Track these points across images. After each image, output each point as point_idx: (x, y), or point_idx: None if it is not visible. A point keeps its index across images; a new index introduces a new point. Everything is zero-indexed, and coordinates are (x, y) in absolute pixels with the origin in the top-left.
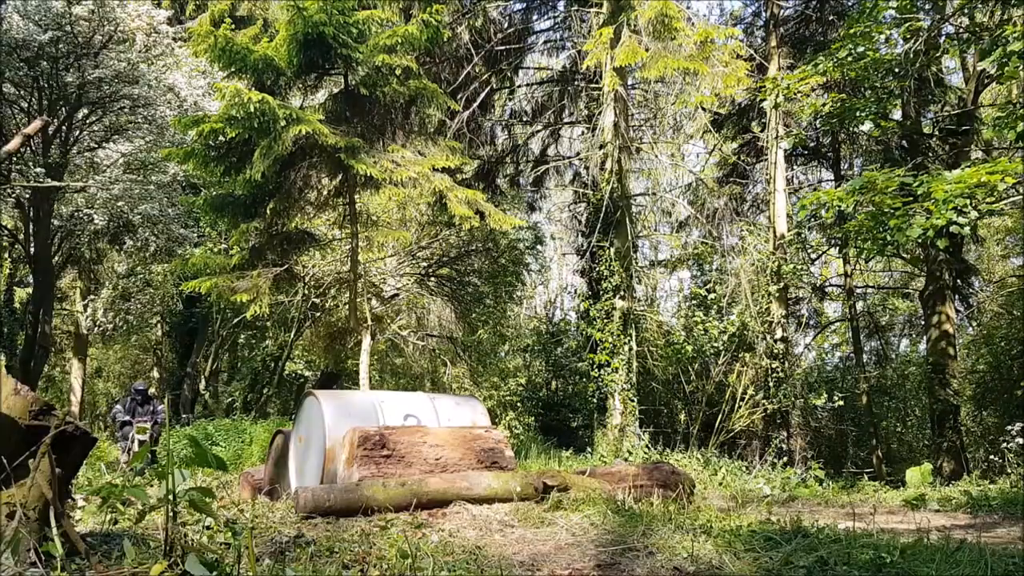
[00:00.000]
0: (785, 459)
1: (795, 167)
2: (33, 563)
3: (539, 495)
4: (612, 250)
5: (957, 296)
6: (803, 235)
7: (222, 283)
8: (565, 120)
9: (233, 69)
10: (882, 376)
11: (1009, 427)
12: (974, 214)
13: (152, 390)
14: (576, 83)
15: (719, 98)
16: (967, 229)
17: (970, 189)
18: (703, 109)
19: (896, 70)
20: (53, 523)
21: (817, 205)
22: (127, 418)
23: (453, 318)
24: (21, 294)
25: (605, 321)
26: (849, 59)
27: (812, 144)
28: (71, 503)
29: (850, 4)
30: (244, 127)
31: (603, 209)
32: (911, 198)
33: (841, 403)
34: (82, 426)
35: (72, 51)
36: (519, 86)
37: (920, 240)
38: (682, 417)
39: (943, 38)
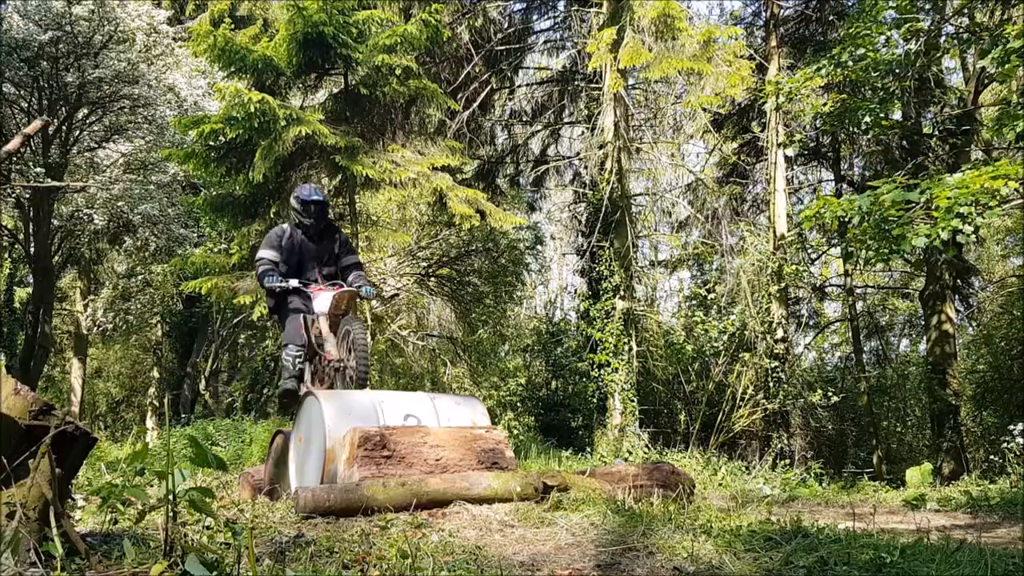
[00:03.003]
0: (786, 460)
1: (795, 167)
2: (33, 563)
3: (539, 495)
4: (612, 250)
5: (957, 296)
6: (803, 235)
7: (222, 284)
8: (565, 120)
9: (233, 69)
10: (882, 376)
11: (1009, 427)
12: (979, 220)
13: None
14: (576, 83)
15: (720, 98)
16: (972, 237)
17: (974, 196)
18: (704, 109)
19: (896, 71)
20: (53, 523)
21: (819, 215)
22: (294, 283)
23: (453, 318)
24: (21, 294)
25: (605, 321)
26: (849, 62)
27: (812, 144)
28: (71, 503)
29: (850, 4)
30: (244, 128)
31: (603, 209)
32: (914, 204)
33: (837, 399)
34: (82, 426)
35: (72, 51)
36: (519, 86)
37: (925, 248)
38: (682, 417)
39: (943, 38)
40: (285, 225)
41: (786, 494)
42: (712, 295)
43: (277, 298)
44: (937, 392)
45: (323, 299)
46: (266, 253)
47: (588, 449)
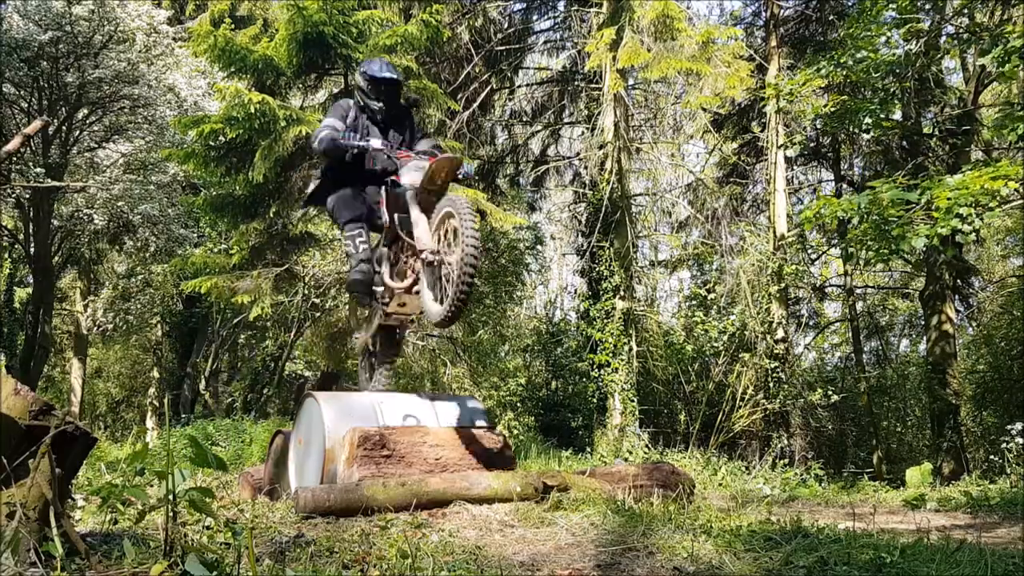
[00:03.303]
0: (786, 460)
1: (795, 167)
2: (33, 563)
3: (539, 495)
4: (612, 250)
5: (957, 296)
6: (803, 235)
7: (222, 283)
8: (565, 120)
9: (233, 69)
10: (882, 376)
11: (1009, 427)
12: (978, 222)
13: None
14: (576, 83)
15: (720, 98)
16: (971, 236)
17: (974, 197)
18: (703, 109)
19: (896, 71)
20: (53, 523)
21: (819, 215)
22: (376, 143)
23: None
24: (21, 294)
25: (605, 321)
26: (850, 63)
27: (812, 145)
28: (71, 503)
29: (850, 4)
30: (244, 128)
31: (603, 209)
32: (913, 204)
33: (837, 399)
34: (82, 426)
35: (72, 51)
36: (519, 86)
37: (924, 248)
38: (682, 417)
39: (943, 38)
40: (351, 100)
41: (786, 494)
42: (712, 295)
43: (323, 178)
44: (937, 392)
45: (413, 168)
46: (331, 121)
47: (588, 449)
